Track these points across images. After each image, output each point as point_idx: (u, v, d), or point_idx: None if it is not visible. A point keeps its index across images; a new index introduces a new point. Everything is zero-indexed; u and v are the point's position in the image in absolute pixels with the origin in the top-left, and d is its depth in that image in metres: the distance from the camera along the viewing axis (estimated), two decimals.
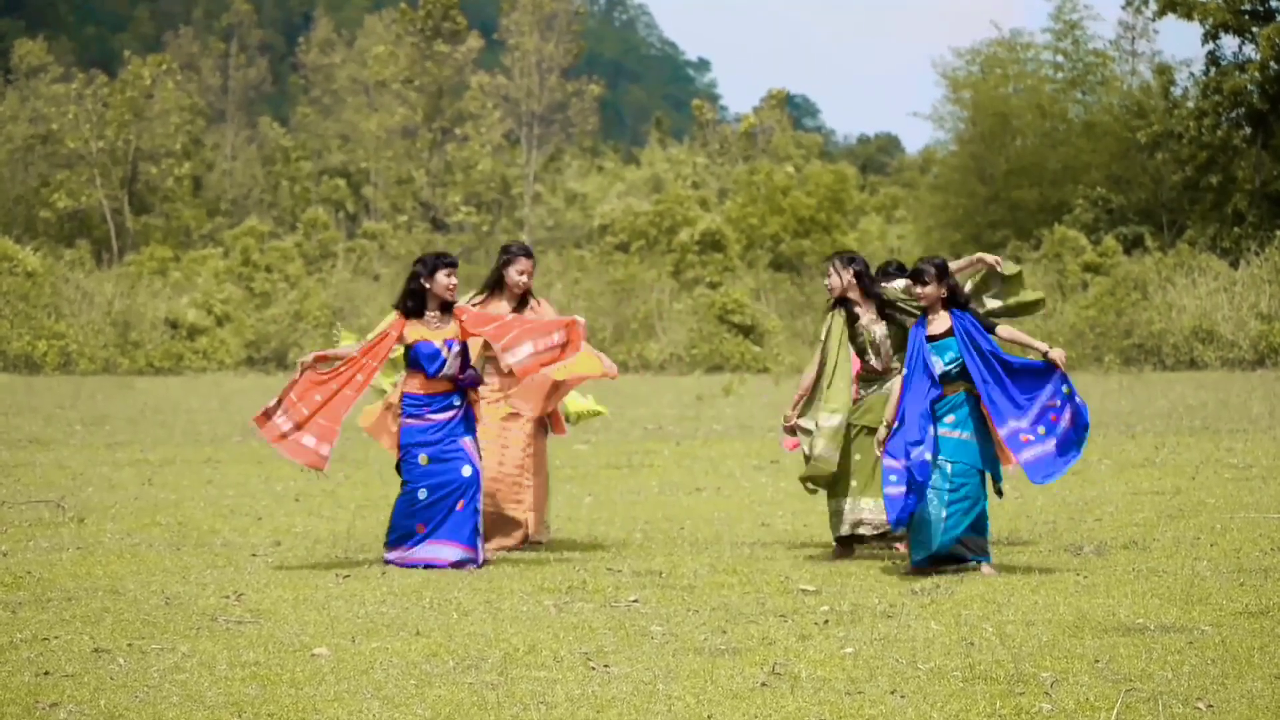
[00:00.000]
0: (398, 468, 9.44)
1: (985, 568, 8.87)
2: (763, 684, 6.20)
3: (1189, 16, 43.77)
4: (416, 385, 9.37)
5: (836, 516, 9.58)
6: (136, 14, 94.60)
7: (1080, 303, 35.33)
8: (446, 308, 9.41)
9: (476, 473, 9.35)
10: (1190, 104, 45.33)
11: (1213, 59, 44.59)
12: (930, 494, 8.80)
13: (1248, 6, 43.73)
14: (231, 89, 70.35)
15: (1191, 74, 47.03)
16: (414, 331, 9.36)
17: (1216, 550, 9.40)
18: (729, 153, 62.93)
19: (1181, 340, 32.71)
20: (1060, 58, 54.54)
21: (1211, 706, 5.80)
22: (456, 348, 9.36)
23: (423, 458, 9.29)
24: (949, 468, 8.84)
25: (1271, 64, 42.07)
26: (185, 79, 60.91)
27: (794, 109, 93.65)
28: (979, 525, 8.91)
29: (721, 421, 21.39)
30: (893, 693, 6.05)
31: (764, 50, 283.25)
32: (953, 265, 9.36)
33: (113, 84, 54.06)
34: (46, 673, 6.39)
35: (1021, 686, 6.11)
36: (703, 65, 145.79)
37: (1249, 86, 42.82)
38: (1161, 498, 12.02)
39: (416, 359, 9.35)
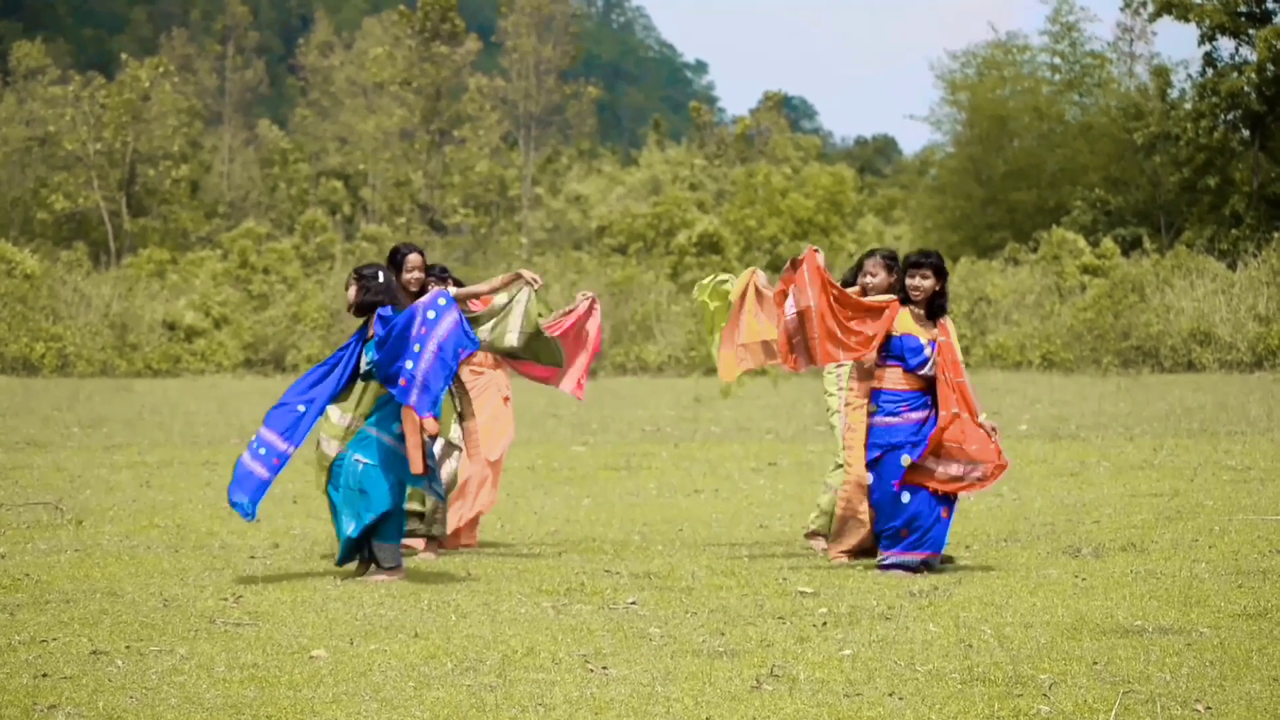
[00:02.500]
0: (868, 465, 9.10)
1: (379, 574, 8.79)
2: (761, 686, 6.20)
3: (1185, 18, 43.82)
4: (895, 379, 8.99)
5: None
6: (134, 16, 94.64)
7: (1078, 305, 35.33)
8: (926, 308, 9.03)
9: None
10: (1187, 106, 45.35)
11: (1209, 61, 44.62)
12: (342, 491, 8.80)
13: (1244, 8, 43.78)
14: (228, 91, 70.32)
15: (1189, 75, 47.13)
16: (904, 322, 9.01)
17: (1215, 552, 9.40)
18: (726, 155, 62.90)
19: (1179, 342, 32.71)
20: (1057, 59, 54.58)
21: (1210, 709, 5.79)
22: (935, 349, 8.93)
23: (905, 458, 8.90)
24: (360, 466, 8.80)
25: (1268, 66, 42.11)
26: (182, 80, 60.87)
27: (791, 111, 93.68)
28: (384, 530, 8.81)
29: (720, 424, 21.38)
30: (891, 695, 6.05)
31: (761, 52, 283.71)
32: (493, 282, 9.28)
33: (110, 86, 54.03)
34: (45, 675, 6.39)
35: (1020, 688, 6.11)
36: (700, 67, 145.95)
37: (1246, 88, 42.84)
38: (1160, 500, 12.02)
39: (900, 350, 8.97)
